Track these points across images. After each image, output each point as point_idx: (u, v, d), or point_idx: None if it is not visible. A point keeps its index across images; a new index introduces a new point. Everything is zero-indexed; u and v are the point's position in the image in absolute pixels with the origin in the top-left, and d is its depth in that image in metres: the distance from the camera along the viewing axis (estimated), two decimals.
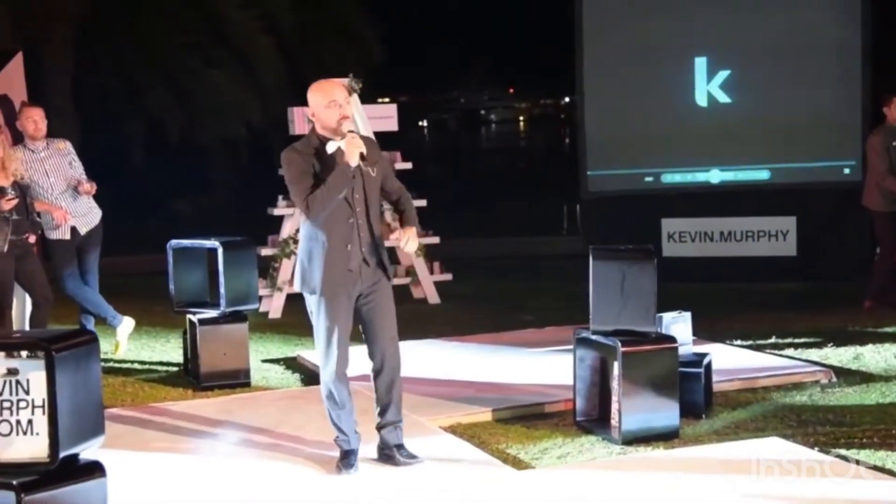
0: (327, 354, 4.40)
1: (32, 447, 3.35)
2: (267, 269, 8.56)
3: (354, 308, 4.41)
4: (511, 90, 56.92)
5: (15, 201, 6.12)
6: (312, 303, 4.42)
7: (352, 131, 4.32)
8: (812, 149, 9.32)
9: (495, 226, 14.87)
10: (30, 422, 3.37)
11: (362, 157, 4.22)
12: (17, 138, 7.42)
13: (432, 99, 45.70)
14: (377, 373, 4.47)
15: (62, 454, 3.33)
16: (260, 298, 7.44)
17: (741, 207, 9.45)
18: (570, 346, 5.39)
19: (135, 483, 4.26)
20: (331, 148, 4.30)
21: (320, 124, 4.35)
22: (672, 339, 4.99)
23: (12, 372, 3.41)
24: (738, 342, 6.83)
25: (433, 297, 8.95)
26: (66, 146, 6.88)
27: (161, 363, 6.93)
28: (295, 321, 8.14)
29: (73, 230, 6.80)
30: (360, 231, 4.34)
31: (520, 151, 41.39)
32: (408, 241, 4.44)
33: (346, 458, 4.46)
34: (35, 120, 6.70)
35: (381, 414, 4.49)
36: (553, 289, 9.50)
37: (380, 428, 4.51)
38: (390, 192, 4.53)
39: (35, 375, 3.36)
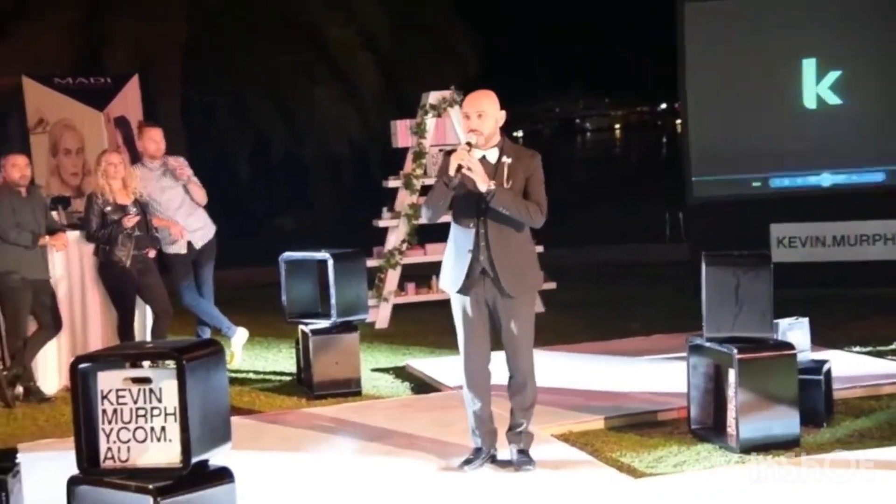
0: (461, 355, 4.58)
1: (166, 453, 3.49)
2: (373, 280, 8.68)
3: (490, 316, 4.52)
4: (606, 98, 56.48)
5: (137, 218, 6.38)
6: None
7: (469, 143, 4.41)
8: None
9: (597, 234, 14.77)
10: (163, 429, 3.51)
11: (459, 168, 4.32)
12: (134, 157, 7.74)
13: (527, 109, 45.63)
14: (508, 380, 4.60)
15: (194, 460, 3.45)
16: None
17: (854, 211, 9.16)
18: (680, 354, 5.34)
19: (258, 489, 4.37)
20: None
21: None
22: (790, 346, 4.89)
23: (143, 381, 3.54)
24: (857, 349, 6.64)
25: (538, 306, 8.94)
26: (181, 162, 7.12)
27: (274, 372, 7.10)
28: (401, 331, 8.26)
29: (189, 244, 7.03)
30: (480, 239, 4.44)
31: (617, 159, 41.05)
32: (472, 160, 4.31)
33: (471, 457, 4.60)
34: (156, 140, 6.97)
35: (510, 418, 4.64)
36: (658, 296, 9.40)
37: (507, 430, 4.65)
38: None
39: (167, 384, 3.49)
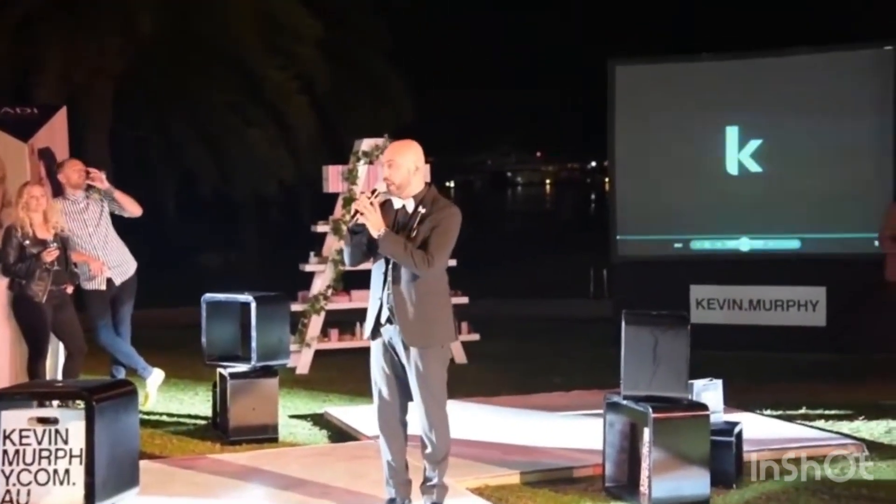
0: (374, 403, 4.57)
1: (68, 497, 3.40)
2: (296, 324, 8.60)
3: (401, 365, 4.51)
4: (538, 153, 57.35)
5: (56, 253, 6.25)
6: None
7: (374, 190, 4.49)
8: (843, 220, 9.29)
9: (522, 287, 14.89)
10: (67, 472, 3.42)
11: (355, 214, 4.41)
12: (56, 190, 7.58)
13: (460, 160, 46.08)
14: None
15: None
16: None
17: (771, 276, 9.42)
18: (598, 411, 5.38)
19: None
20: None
21: None
22: (704, 407, 4.97)
23: (49, 421, 3.45)
24: (769, 412, 6.78)
25: (460, 357, 8.94)
26: (97, 174, 6.99)
27: (189, 416, 6.96)
28: (323, 377, 8.18)
29: (109, 281, 6.90)
30: (388, 287, 4.47)
31: (546, 214, 41.57)
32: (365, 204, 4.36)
33: None
34: (79, 169, 6.88)
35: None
36: (580, 352, 9.47)
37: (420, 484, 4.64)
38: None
39: (75, 425, 3.41)
